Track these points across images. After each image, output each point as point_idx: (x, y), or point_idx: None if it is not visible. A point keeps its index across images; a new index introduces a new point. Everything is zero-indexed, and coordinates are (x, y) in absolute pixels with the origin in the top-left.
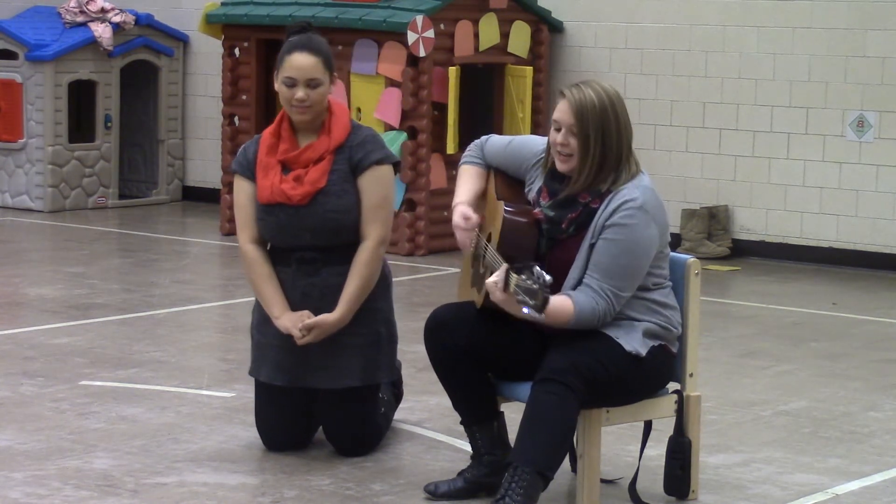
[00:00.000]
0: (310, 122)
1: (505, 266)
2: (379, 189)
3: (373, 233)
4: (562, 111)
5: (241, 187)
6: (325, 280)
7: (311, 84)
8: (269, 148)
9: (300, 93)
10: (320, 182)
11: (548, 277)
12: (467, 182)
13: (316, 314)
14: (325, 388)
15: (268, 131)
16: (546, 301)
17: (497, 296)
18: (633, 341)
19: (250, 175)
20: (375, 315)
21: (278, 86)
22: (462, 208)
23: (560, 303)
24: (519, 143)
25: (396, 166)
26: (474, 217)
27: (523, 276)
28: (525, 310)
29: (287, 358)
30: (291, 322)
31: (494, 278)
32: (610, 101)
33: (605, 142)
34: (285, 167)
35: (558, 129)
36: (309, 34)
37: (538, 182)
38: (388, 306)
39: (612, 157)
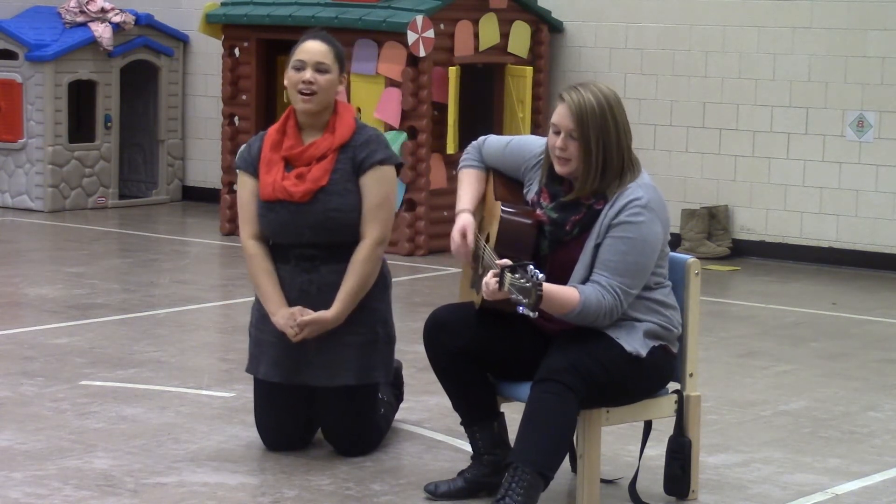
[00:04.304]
0: (315, 117)
1: (500, 265)
2: (380, 189)
3: (372, 232)
4: (561, 115)
5: (244, 183)
6: (323, 277)
7: (320, 68)
8: (274, 144)
9: (307, 74)
10: (322, 180)
11: (541, 275)
12: (468, 187)
13: (313, 310)
14: (320, 385)
15: (273, 128)
16: (539, 299)
17: (492, 295)
18: (634, 342)
19: (253, 171)
20: (373, 315)
21: (287, 74)
22: (463, 221)
23: (565, 291)
24: (517, 145)
25: (399, 167)
26: (471, 235)
27: (517, 275)
28: (520, 308)
29: (284, 355)
30: (285, 320)
31: (490, 278)
32: (609, 104)
33: (606, 145)
34: (288, 164)
35: (557, 133)
36: (324, 31)
37: (537, 183)
38: (386, 307)
39: (613, 160)
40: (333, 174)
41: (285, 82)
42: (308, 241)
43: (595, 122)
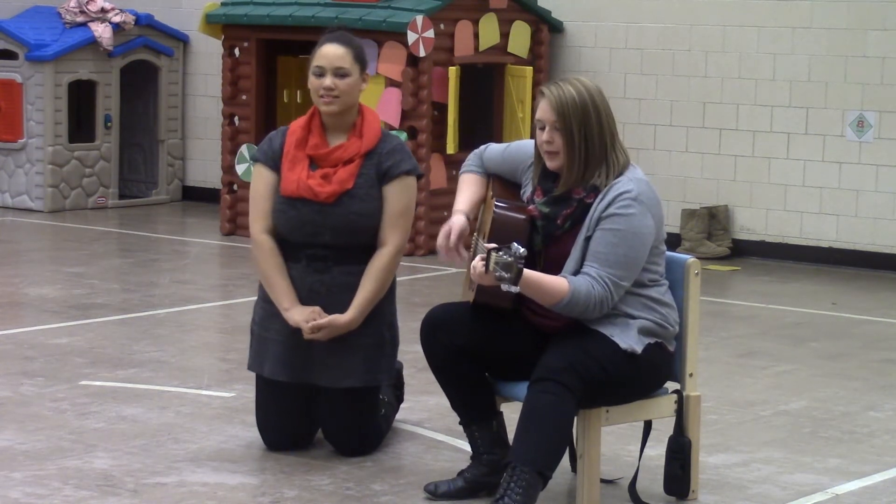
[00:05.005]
0: (338, 118)
1: (486, 248)
2: (404, 198)
3: (393, 240)
4: (543, 110)
5: (262, 176)
6: (334, 278)
7: (339, 73)
8: (299, 141)
9: (327, 81)
10: (348, 183)
11: (522, 250)
12: (466, 190)
13: (324, 311)
14: (326, 386)
15: (297, 124)
16: (520, 272)
17: (479, 279)
18: (629, 338)
19: (273, 165)
20: (381, 318)
21: (309, 78)
22: (457, 220)
23: (554, 279)
24: (515, 148)
25: (419, 178)
26: (455, 236)
27: (501, 253)
28: (503, 286)
29: (290, 354)
30: (302, 316)
31: (477, 261)
32: (589, 95)
33: (588, 134)
34: (312, 163)
35: (542, 128)
36: (343, 31)
37: (531, 182)
38: (392, 310)
39: (596, 149)
40: (358, 178)
41: (309, 86)
42: (324, 242)
43: (576, 112)
